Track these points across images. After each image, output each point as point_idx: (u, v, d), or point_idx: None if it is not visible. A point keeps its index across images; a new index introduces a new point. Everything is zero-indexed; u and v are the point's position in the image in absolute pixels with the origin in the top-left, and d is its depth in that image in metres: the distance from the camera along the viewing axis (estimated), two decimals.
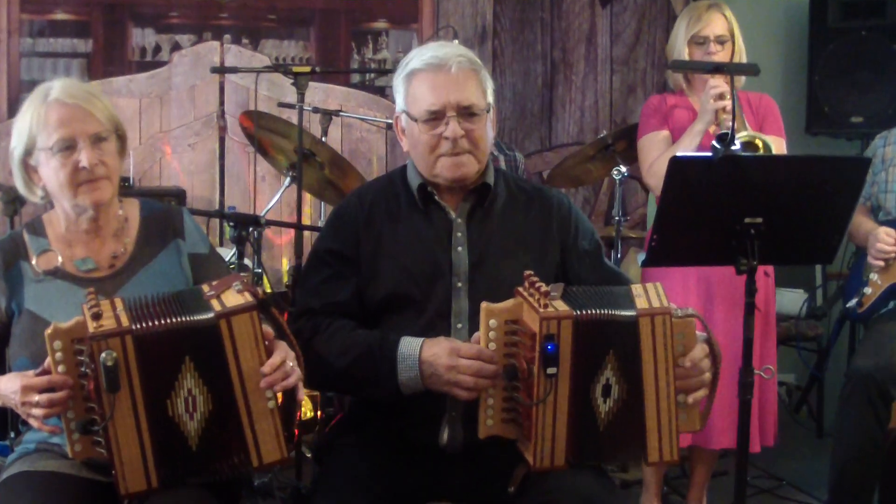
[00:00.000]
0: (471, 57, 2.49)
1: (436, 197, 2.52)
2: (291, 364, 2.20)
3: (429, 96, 2.44)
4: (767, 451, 3.68)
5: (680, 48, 3.63)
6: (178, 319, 2.11)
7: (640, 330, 2.19)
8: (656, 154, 3.58)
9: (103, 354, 2.03)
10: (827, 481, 3.48)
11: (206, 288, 2.20)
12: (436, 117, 2.43)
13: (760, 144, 3.31)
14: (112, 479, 2.21)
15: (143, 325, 2.09)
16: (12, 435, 3.38)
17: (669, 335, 2.20)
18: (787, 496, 4.15)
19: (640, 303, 2.22)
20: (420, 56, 2.48)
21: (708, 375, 2.28)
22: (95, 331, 2.05)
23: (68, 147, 2.32)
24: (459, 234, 2.49)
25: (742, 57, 3.62)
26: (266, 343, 2.16)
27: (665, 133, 3.63)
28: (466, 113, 2.44)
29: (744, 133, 3.32)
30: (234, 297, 2.15)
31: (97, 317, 2.07)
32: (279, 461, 2.21)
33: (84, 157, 2.32)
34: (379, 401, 2.44)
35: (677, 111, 3.65)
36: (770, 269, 3.59)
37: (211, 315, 2.12)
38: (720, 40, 3.59)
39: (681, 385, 2.24)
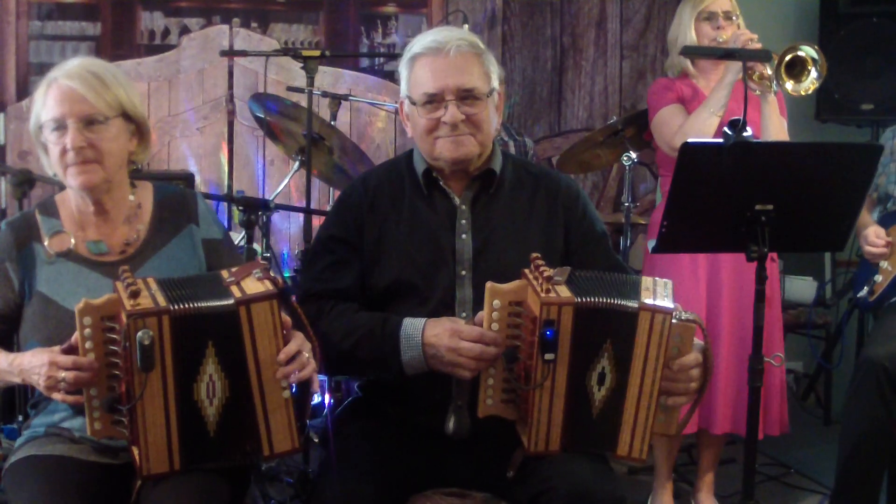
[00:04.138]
0: (472, 41, 2.47)
1: (441, 183, 2.51)
2: (308, 355, 2.19)
3: (428, 80, 2.43)
4: (775, 438, 3.68)
5: (686, 28, 3.61)
6: (204, 304, 2.10)
7: (638, 324, 2.18)
8: (682, 119, 3.54)
9: (140, 333, 2.01)
10: (834, 469, 3.48)
11: (225, 274, 2.19)
12: (434, 101, 2.42)
13: (805, 55, 3.27)
14: (124, 460, 2.21)
15: (179, 306, 2.08)
16: (20, 418, 3.38)
17: (666, 336, 2.18)
18: (794, 483, 4.16)
19: (646, 296, 2.20)
20: (421, 41, 2.47)
21: (694, 385, 2.27)
22: (133, 308, 2.03)
23: (59, 128, 2.31)
24: (464, 222, 2.48)
25: None
26: (284, 332, 2.15)
27: (681, 106, 3.60)
28: (466, 97, 2.42)
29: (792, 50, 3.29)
30: (254, 285, 2.14)
31: (135, 294, 2.05)
32: (289, 451, 2.21)
33: (68, 139, 2.29)
34: (385, 382, 2.44)
35: (687, 91, 3.63)
36: (775, 254, 3.58)
37: (230, 301, 2.10)
38: (728, 15, 3.58)
39: (665, 387, 2.22)
